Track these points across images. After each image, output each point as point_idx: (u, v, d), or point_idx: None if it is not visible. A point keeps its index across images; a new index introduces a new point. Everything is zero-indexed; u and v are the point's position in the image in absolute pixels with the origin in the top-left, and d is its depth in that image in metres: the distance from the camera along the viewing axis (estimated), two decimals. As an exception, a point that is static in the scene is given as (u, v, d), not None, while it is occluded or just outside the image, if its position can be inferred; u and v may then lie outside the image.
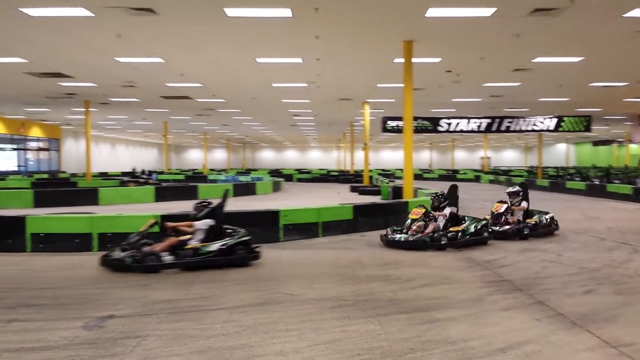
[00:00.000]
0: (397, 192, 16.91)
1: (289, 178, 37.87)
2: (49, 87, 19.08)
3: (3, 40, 11.74)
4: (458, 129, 20.69)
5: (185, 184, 26.61)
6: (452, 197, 10.14)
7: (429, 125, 20.58)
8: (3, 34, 11.22)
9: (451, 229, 9.45)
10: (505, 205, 10.75)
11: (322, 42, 11.78)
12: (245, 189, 23.57)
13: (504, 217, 10.57)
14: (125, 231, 9.12)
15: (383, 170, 47.15)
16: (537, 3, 9.11)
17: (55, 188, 22.54)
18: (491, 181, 36.43)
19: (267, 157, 72.30)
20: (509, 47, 12.42)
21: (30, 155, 37.40)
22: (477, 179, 39.48)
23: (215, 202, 8.20)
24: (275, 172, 42.53)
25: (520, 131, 21.06)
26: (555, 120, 21.00)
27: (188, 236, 7.67)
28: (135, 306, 5.46)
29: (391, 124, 20.52)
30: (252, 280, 6.74)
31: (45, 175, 33.66)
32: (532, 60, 14.09)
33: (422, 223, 9.49)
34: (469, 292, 6.15)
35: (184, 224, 7.81)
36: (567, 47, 12.65)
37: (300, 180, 39.21)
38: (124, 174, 37.52)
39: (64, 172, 38.54)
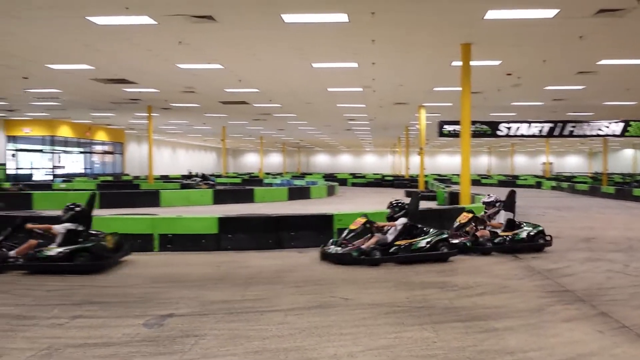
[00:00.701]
0: (454, 197, 16.61)
1: (343, 182, 37.89)
2: (114, 93, 19.91)
3: (72, 48, 12.35)
4: (518, 133, 20.07)
5: (242, 187, 27.11)
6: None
7: (487, 130, 20.07)
8: (72, 42, 11.80)
9: (412, 240, 8.39)
10: (471, 215, 9.44)
11: (378, 46, 11.76)
12: (300, 193, 23.77)
13: (473, 228, 9.37)
14: (184, 232, 9.43)
15: (439, 175, 46.40)
16: (602, 4, 8.76)
17: (119, 190, 23.47)
18: (553, 188, 35.19)
19: (322, 161, 72.65)
20: (572, 49, 11.99)
21: (95, 158, 39.12)
22: (538, 186, 38.22)
23: (82, 206, 8.25)
24: (329, 177, 42.68)
25: (584, 136, 20.22)
26: (621, 124, 20.05)
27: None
28: (193, 306, 5.62)
29: (448, 128, 20.16)
30: (307, 283, 6.79)
31: (110, 178, 35.09)
32: (597, 63, 13.54)
33: (375, 237, 8.45)
34: (528, 301, 5.96)
35: (43, 226, 7.84)
36: (635, 49, 12.08)
37: (354, 184, 39.15)
38: (184, 177, 38.61)
39: (127, 174, 40.07)
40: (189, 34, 10.87)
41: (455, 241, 9.02)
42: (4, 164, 31.54)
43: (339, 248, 8.25)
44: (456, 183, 30.71)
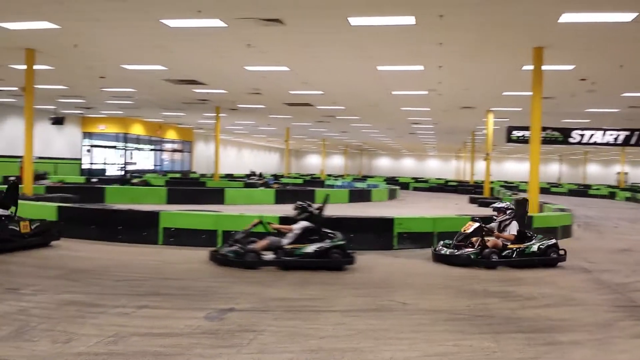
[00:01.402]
0: (520, 205, 16.06)
1: (405, 186, 37.46)
2: (185, 93, 20.61)
3: (146, 49, 12.89)
4: (592, 141, 19.14)
5: (303, 188, 27.38)
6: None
7: (559, 137, 19.27)
8: (146, 44, 12.32)
9: (300, 245, 7.83)
10: (476, 225, 8.70)
11: (445, 49, 11.57)
12: (361, 196, 23.73)
13: (478, 239, 8.54)
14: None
15: (505, 182, 44.99)
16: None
17: (186, 187, 24.26)
18: (627, 199, 33.36)
19: (384, 164, 72.17)
20: (653, 53, 11.36)
21: (165, 155, 40.62)
22: (611, 196, 36.32)
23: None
24: (391, 180, 42.28)
25: (664, 145, 19.07)
26: None
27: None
28: (253, 301, 5.74)
29: (517, 133, 19.52)
30: (365, 286, 6.78)
31: (178, 175, 36.32)
32: (680, 68, 12.76)
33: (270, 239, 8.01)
34: (596, 315, 5.70)
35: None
36: None
37: (416, 189, 38.64)
38: (246, 176, 39.44)
39: (194, 172, 41.32)
40: (257, 37, 11.10)
41: (457, 252, 8.42)
42: (80, 159, 33.32)
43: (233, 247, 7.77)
44: (524, 191, 29.72)
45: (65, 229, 9.44)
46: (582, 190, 39.04)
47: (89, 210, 10.79)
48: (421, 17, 9.25)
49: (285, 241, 7.89)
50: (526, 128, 18.28)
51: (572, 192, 38.21)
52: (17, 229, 8.42)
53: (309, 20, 9.84)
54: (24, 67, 13.51)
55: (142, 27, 10.68)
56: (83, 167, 33.30)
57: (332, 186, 32.53)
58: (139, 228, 9.82)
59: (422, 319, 5.30)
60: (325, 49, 12.18)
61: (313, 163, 71.41)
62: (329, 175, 50.41)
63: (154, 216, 9.89)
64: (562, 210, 13.21)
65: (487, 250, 8.35)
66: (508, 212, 8.90)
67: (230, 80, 17.22)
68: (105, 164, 34.72)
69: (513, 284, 7.16)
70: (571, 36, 10.31)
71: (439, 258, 8.62)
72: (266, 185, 26.19)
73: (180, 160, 42.11)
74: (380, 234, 9.97)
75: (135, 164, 35.86)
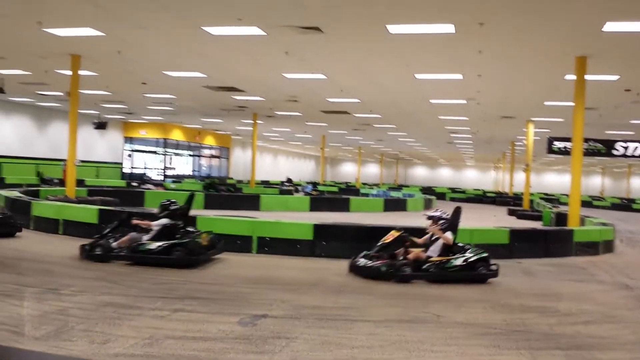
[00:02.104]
0: (561, 218, 15.67)
1: (441, 196, 37.03)
2: (224, 100, 20.91)
3: (187, 56, 13.14)
4: (636, 153, 18.55)
5: (338, 196, 27.37)
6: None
7: (601, 149, 18.74)
8: (188, 51, 12.56)
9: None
10: (396, 235, 8.07)
11: (484, 57, 11.41)
12: (396, 205, 23.58)
13: (402, 250, 7.94)
14: (281, 237, 9.67)
15: (545, 194, 43.95)
16: None
17: (223, 192, 24.56)
18: (674, 214, 32.13)
19: (420, 173, 71.46)
20: None
21: (203, 161, 41.25)
22: (657, 211, 35.06)
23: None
24: (427, 190, 41.86)
25: None
26: None
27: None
28: (286, 308, 5.74)
29: (558, 145, 19.05)
30: (398, 297, 6.71)
31: (215, 180, 36.80)
32: None
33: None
34: (637, 333, 5.50)
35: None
36: None
37: (453, 199, 38.07)
38: (282, 183, 39.67)
39: (231, 178, 41.83)
40: (295, 45, 11.19)
41: (369, 264, 7.74)
42: (121, 163, 34.16)
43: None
44: (564, 203, 28.97)
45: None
46: (626, 205, 37.80)
47: (131, 213, 11.02)
48: (461, 25, 9.15)
49: (145, 237, 8.12)
50: (568, 139, 17.84)
51: (614, 206, 37.01)
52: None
53: (348, 28, 9.85)
54: (70, 72, 13.96)
55: (184, 35, 10.90)
56: (124, 171, 34.11)
57: (367, 195, 32.42)
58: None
59: (456, 332, 5.21)
60: (363, 57, 12.17)
61: (348, 171, 71.31)
62: (364, 183, 50.24)
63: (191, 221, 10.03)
64: (604, 224, 12.81)
65: (399, 262, 7.68)
66: (440, 221, 8.19)
67: (268, 88, 17.39)
68: (145, 168, 35.48)
69: (552, 300, 6.97)
70: (616, 45, 10.03)
71: (352, 269, 7.97)
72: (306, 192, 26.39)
73: (217, 166, 42.69)
74: (415, 244, 9.83)
75: (174, 168, 36.54)
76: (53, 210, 11.45)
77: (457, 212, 8.36)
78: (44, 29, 10.71)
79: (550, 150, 19.32)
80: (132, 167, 35.05)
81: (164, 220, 8.29)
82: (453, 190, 46.22)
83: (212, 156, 42.21)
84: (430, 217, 8.32)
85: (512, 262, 10.15)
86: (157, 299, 5.89)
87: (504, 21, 8.96)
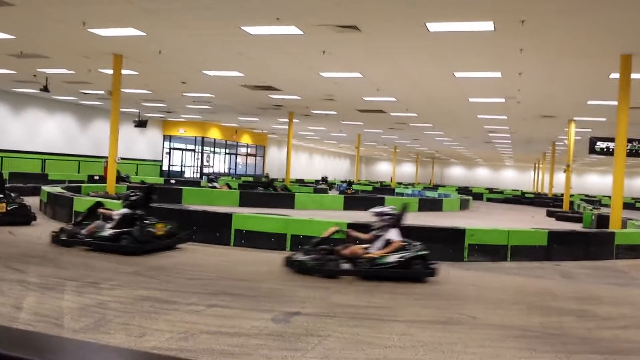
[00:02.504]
0: (602, 221, 15.24)
1: (478, 197, 36.45)
2: (260, 99, 21.09)
3: (226, 55, 13.31)
4: (683, 154, 17.90)
5: (372, 195, 27.27)
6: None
7: (646, 149, 18.15)
8: (227, 50, 12.72)
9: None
10: (333, 230, 8.00)
11: (525, 55, 11.17)
12: (431, 205, 23.34)
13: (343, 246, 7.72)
14: (315, 235, 9.69)
15: (586, 195, 42.76)
16: None
17: (258, 190, 24.78)
18: None
19: (456, 173, 70.51)
20: None
21: (240, 159, 41.71)
22: None
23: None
24: (463, 190, 41.27)
25: None
26: None
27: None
28: (319, 306, 5.76)
29: (600, 145, 18.54)
30: (433, 297, 6.64)
31: (250, 179, 37.20)
32: None
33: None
34: (684, 342, 5.29)
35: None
36: None
37: (490, 200, 37.50)
38: (317, 182, 39.76)
39: (266, 176, 42.18)
40: (332, 43, 11.19)
41: (302, 258, 7.54)
42: (160, 161, 34.85)
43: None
44: (606, 205, 28.18)
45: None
46: (673, 207, 36.40)
47: (167, 210, 11.25)
48: (501, 22, 8.99)
49: (108, 225, 8.67)
50: (611, 139, 17.32)
51: (660, 209, 35.71)
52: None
53: (386, 27, 9.80)
54: (112, 71, 14.33)
55: (224, 35, 11.04)
56: (163, 168, 34.81)
57: (401, 194, 32.19)
58: (212, 229, 10.15)
59: (492, 334, 5.12)
60: (401, 55, 12.09)
61: (383, 170, 70.95)
62: (399, 183, 49.91)
63: (226, 218, 10.19)
64: (648, 227, 12.40)
65: (326, 257, 7.46)
66: (385, 217, 7.82)
67: (304, 87, 17.46)
68: (183, 166, 36.10)
69: (590, 303, 6.79)
70: (664, 43, 9.69)
71: (287, 263, 7.75)
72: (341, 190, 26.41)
73: (253, 164, 43.09)
74: (450, 245, 9.74)
75: (211, 166, 37.06)
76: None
77: (404, 208, 8.11)
78: (88, 29, 11.02)
79: (593, 151, 18.80)
80: (170, 165, 35.70)
81: (124, 210, 8.85)
82: (491, 190, 45.42)
83: (249, 154, 42.63)
84: (376, 214, 7.95)
85: (549, 264, 9.95)
86: (192, 294, 5.99)
87: (545, 18, 8.76)
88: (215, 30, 10.78)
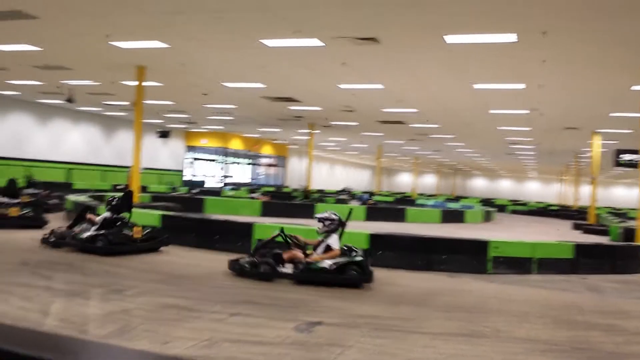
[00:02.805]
0: (630, 234, 14.94)
1: (501, 209, 35.99)
2: (281, 110, 21.23)
3: (247, 68, 13.45)
4: None
5: (394, 206, 27.16)
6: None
7: (673, 161, 17.79)
8: (247, 63, 12.86)
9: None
10: (275, 234, 7.98)
11: (548, 67, 11.07)
12: (453, 216, 23.15)
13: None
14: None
15: (613, 208, 41.99)
16: None
17: (279, 200, 24.89)
18: None
19: (479, 185, 69.85)
20: None
21: (261, 169, 41.95)
22: None
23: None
24: (486, 202, 40.84)
25: None
26: None
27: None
28: (342, 316, 5.75)
29: (625, 157, 18.26)
30: (457, 310, 6.57)
31: (272, 189, 37.35)
32: None
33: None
34: None
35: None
36: None
37: (514, 212, 37.04)
38: (338, 192, 39.75)
39: (287, 186, 42.32)
40: (352, 55, 11.24)
41: (242, 261, 7.66)
42: (182, 171, 35.24)
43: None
44: (633, 218, 27.66)
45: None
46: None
47: (190, 219, 11.37)
48: (523, 33, 8.93)
49: (92, 228, 9.11)
50: (636, 152, 17.06)
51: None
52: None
53: (405, 39, 9.82)
54: (135, 83, 14.57)
55: (244, 47, 11.16)
56: (185, 178, 35.18)
57: (423, 205, 31.98)
58: (234, 238, 10.20)
59: (516, 347, 5.05)
60: (420, 66, 12.09)
61: (404, 181, 70.59)
62: (421, 194, 49.60)
63: (248, 227, 10.24)
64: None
65: (260, 260, 7.59)
66: (326, 222, 7.89)
67: (324, 98, 17.53)
68: (205, 176, 36.43)
69: (619, 317, 6.65)
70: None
71: (230, 267, 7.82)
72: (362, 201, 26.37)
73: (274, 174, 43.30)
74: (473, 257, 9.65)
75: (232, 177, 37.33)
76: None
77: (349, 214, 8.19)
78: (112, 42, 11.23)
79: (617, 163, 18.52)
80: (193, 175, 36.06)
81: (106, 214, 9.44)
82: (514, 202, 44.89)
83: (270, 165, 42.87)
84: (320, 219, 8.03)
85: (576, 277, 9.76)
86: (216, 302, 6.02)
87: (568, 30, 8.68)
88: (235, 43, 10.89)
